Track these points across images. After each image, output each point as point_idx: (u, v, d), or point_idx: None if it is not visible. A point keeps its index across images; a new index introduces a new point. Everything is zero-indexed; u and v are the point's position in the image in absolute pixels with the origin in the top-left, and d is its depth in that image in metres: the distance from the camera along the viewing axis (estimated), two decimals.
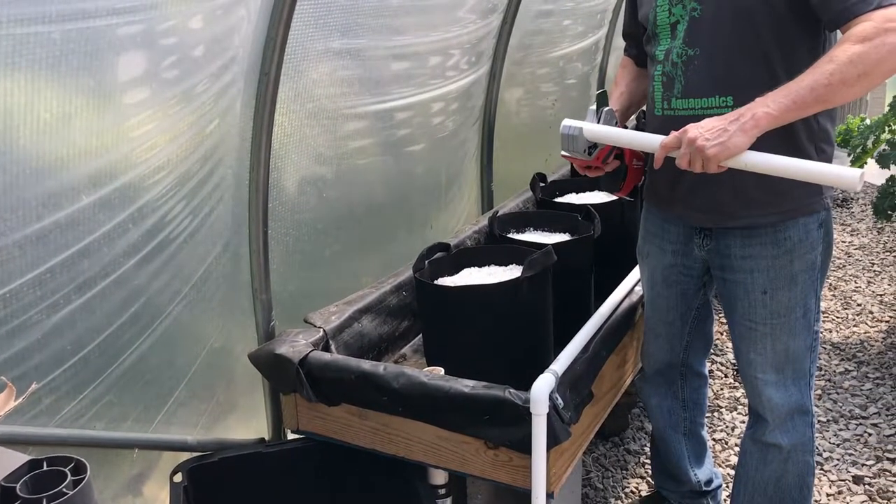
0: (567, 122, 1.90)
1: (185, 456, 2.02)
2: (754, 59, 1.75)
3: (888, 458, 2.81)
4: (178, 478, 1.95)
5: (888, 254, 4.75)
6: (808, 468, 2.05)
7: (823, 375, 3.40)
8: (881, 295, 4.17)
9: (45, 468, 1.13)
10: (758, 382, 1.99)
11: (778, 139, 1.66)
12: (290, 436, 2.19)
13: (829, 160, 1.79)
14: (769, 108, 1.59)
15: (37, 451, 1.60)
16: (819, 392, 3.27)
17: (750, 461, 2.10)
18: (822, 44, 1.76)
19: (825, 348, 3.62)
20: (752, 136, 1.59)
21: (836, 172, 1.58)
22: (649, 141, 1.77)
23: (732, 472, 2.77)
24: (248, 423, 2.30)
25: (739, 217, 1.87)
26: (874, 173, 5.06)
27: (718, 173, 1.68)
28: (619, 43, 5.19)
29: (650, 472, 2.62)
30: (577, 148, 1.90)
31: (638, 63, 2.16)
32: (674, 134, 1.67)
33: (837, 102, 1.63)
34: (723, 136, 1.60)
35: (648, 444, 2.62)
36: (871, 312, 3.97)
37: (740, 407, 3.18)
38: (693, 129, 1.63)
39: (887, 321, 3.87)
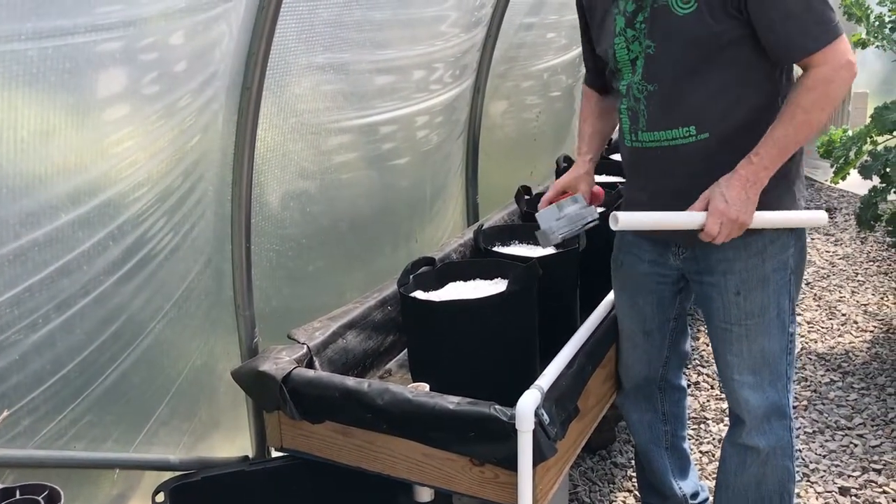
0: (555, 226, 2.01)
1: (168, 475, 1.99)
2: (711, 86, 1.79)
3: (874, 469, 2.81)
4: (161, 498, 1.92)
5: (871, 263, 4.78)
6: (787, 474, 2.05)
7: (809, 386, 3.41)
8: (865, 305, 4.19)
9: (17, 497, 1.11)
10: (734, 384, 2.01)
11: (775, 181, 1.80)
12: (275, 454, 2.17)
13: (802, 181, 1.97)
14: (766, 166, 1.74)
15: (15, 474, 1.58)
16: (805, 403, 3.28)
17: (729, 466, 2.11)
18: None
19: (811, 359, 3.63)
20: (758, 196, 1.76)
21: (811, 217, 1.91)
22: (690, 219, 1.81)
23: None
24: (231, 442, 2.28)
25: None
26: (857, 184, 5.09)
27: (690, 190, 1.81)
28: None
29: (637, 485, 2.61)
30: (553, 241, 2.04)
31: (601, 93, 2.19)
32: (711, 217, 1.76)
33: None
34: (748, 205, 1.75)
35: (634, 458, 2.61)
36: (855, 322, 3.98)
37: (727, 419, 3.18)
38: (725, 206, 1.74)
39: (872, 331, 3.88)
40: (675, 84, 1.80)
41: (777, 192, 1.83)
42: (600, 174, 3.31)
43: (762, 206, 1.78)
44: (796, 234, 1.92)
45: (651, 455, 2.36)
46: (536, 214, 2.05)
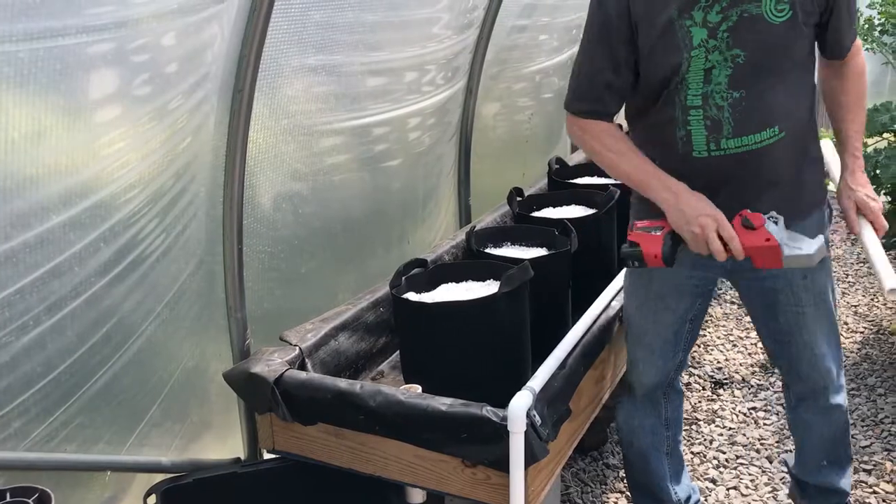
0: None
1: (160, 477, 1.99)
2: (790, 88, 1.88)
3: (864, 470, 2.82)
4: (153, 500, 1.92)
5: (862, 265, 4.80)
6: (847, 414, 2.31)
7: None
8: (855, 306, 4.21)
9: (8, 499, 1.11)
10: (817, 358, 2.11)
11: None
12: (267, 455, 2.16)
13: None
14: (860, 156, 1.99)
15: (6, 476, 1.57)
16: None
17: (814, 429, 2.24)
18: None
19: None
20: None
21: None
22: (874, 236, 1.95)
23: (711, 486, 2.78)
24: (223, 444, 2.27)
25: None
26: None
27: (778, 181, 1.91)
28: None
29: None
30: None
31: (610, 121, 2.02)
32: (878, 216, 1.94)
33: None
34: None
35: (623, 460, 2.61)
36: (846, 324, 4.00)
37: (718, 419, 3.19)
38: (876, 202, 1.93)
39: (862, 332, 3.90)
40: (763, 89, 1.84)
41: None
42: (592, 175, 3.33)
43: (818, 187, 2.02)
44: (827, 210, 2.05)
45: (651, 460, 2.34)
46: (792, 243, 1.82)
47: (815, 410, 2.23)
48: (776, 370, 2.38)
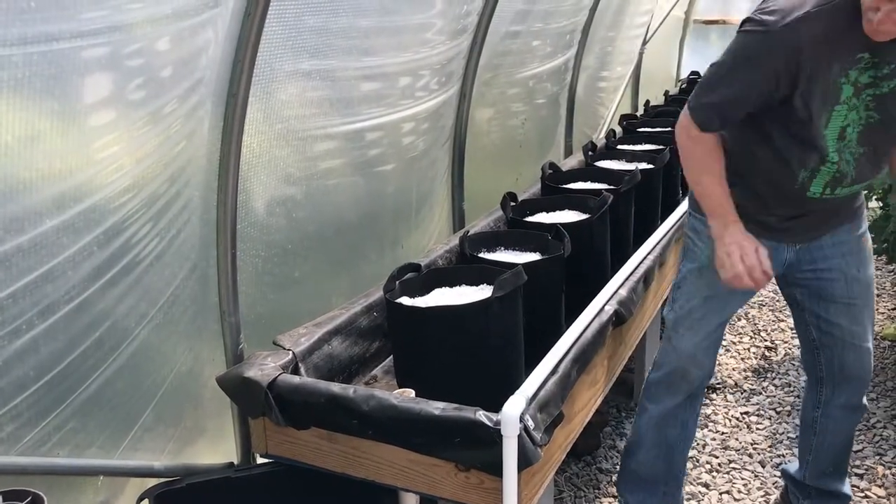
0: None
1: (153, 482, 1.99)
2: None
3: (856, 475, 2.84)
4: None
5: None
6: None
7: (793, 391, 3.43)
8: None
9: (0, 502, 1.11)
10: (862, 352, 2.24)
11: None
12: (260, 460, 2.16)
13: None
14: None
15: None
16: (788, 409, 3.30)
17: (840, 428, 2.35)
18: None
19: (794, 364, 3.66)
20: None
21: None
22: None
23: (703, 490, 2.78)
24: (216, 448, 2.27)
25: (833, 226, 2.18)
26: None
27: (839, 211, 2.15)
28: (588, 63, 5.22)
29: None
30: None
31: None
32: None
33: None
34: None
35: (619, 463, 2.62)
36: None
37: (710, 424, 3.20)
38: None
39: None
40: (883, 145, 2.00)
41: None
42: (585, 181, 3.34)
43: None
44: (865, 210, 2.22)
45: (676, 452, 2.44)
46: None
47: (848, 408, 2.32)
48: (809, 369, 2.40)
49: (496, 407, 1.74)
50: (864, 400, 2.34)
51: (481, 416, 1.74)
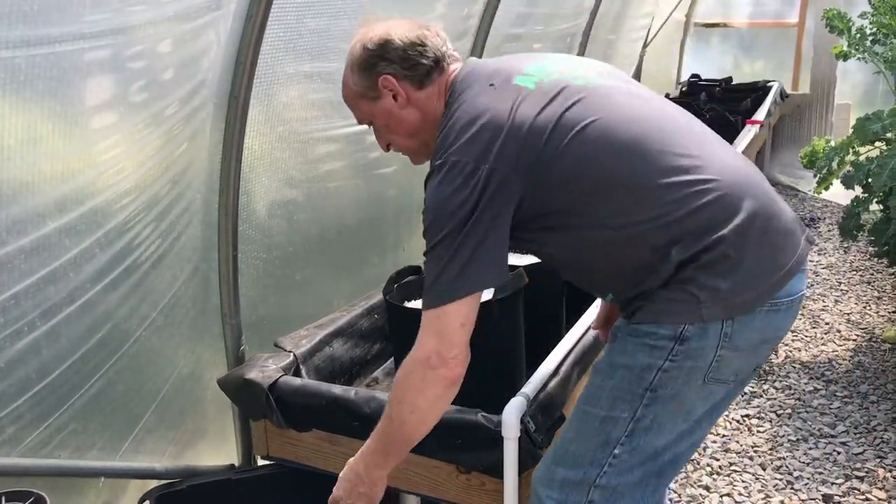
0: None
1: (154, 484, 1.99)
2: None
3: (857, 477, 2.83)
4: None
5: (854, 273, 4.82)
6: None
7: (793, 394, 3.43)
8: (848, 314, 4.23)
9: (3, 503, 1.11)
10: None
11: None
12: (261, 462, 2.16)
13: None
14: None
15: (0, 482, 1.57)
16: (789, 411, 3.30)
17: None
18: None
19: (794, 367, 3.66)
20: None
21: None
22: None
23: (704, 493, 2.78)
24: (217, 450, 2.27)
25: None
26: (840, 194, 5.15)
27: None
28: None
29: None
30: None
31: None
32: None
33: None
34: None
35: None
36: (838, 331, 4.02)
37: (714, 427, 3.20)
38: None
39: (854, 340, 3.92)
40: None
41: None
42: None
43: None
44: (683, 350, 1.46)
45: None
46: None
47: None
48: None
49: (497, 409, 1.74)
50: None
51: (482, 417, 1.74)
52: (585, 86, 1.52)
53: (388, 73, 1.58)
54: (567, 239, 1.53)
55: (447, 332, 1.48)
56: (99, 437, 1.86)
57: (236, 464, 2.22)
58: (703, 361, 1.48)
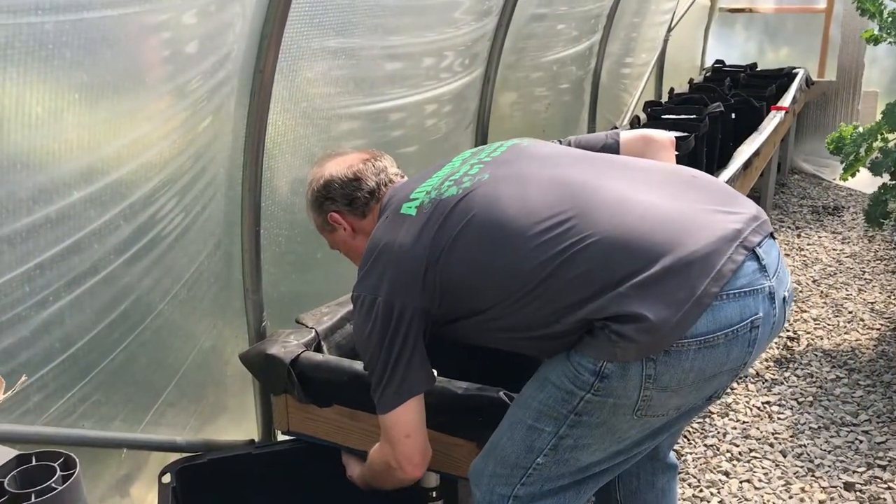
0: None
1: (174, 457, 2.00)
2: None
3: (879, 466, 2.81)
4: (167, 479, 1.92)
5: (879, 262, 4.76)
6: None
7: (815, 382, 3.40)
8: (872, 303, 4.18)
9: (33, 463, 1.12)
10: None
11: None
12: (281, 437, 2.17)
13: None
14: None
15: (23, 450, 1.58)
16: (811, 399, 3.27)
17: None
18: None
19: (816, 355, 3.62)
20: None
21: None
22: None
23: (724, 478, 2.77)
24: (238, 425, 2.28)
25: None
26: (865, 182, 5.08)
27: None
28: (613, 49, 5.19)
29: None
30: None
31: None
32: None
33: None
34: None
35: None
36: (862, 320, 3.97)
37: (731, 413, 3.18)
38: None
39: (878, 329, 3.87)
40: None
41: None
42: None
43: None
44: (604, 387, 1.45)
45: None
46: None
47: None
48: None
49: (518, 387, 1.73)
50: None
51: (504, 395, 1.73)
52: (457, 193, 1.59)
53: (334, 211, 1.81)
54: (478, 328, 1.61)
55: (398, 443, 1.63)
56: (122, 408, 1.86)
57: (256, 439, 2.23)
58: (626, 400, 1.46)
